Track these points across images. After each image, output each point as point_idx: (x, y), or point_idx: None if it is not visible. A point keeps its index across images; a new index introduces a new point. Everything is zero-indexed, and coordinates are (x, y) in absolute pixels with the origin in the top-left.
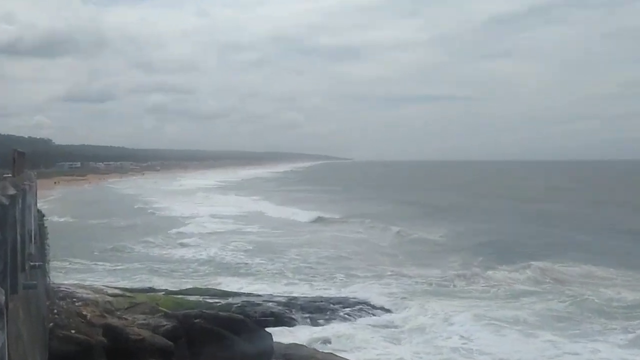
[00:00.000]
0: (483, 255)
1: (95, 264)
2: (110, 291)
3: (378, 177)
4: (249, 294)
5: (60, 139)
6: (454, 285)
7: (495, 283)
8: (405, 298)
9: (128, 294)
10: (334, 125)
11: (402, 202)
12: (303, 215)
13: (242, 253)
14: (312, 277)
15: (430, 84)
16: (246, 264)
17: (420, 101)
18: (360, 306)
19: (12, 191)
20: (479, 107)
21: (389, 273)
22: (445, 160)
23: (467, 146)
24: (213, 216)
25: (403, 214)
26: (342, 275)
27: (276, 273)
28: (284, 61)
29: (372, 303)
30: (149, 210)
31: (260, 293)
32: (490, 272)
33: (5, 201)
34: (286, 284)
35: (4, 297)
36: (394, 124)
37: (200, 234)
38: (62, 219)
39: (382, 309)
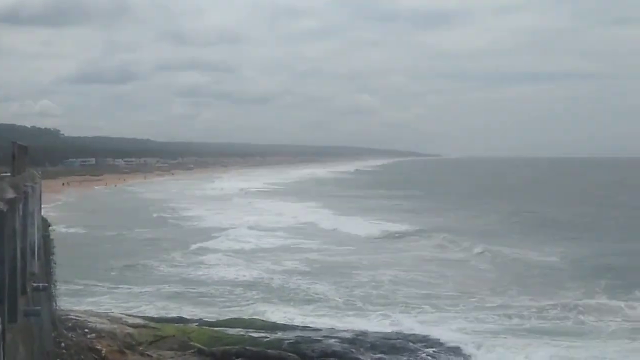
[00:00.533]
0: (610, 281)
1: (112, 286)
2: (130, 321)
3: (474, 179)
4: (304, 328)
5: (70, 130)
6: (579, 322)
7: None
8: (506, 337)
9: (152, 324)
10: (418, 111)
11: (506, 212)
12: (373, 228)
13: (295, 275)
14: (385, 306)
15: (546, 58)
16: (301, 289)
17: (532, 80)
18: (450, 346)
19: (11, 194)
20: (610, 87)
21: (489, 304)
22: (566, 157)
23: (597, 138)
24: (259, 228)
25: (509, 228)
26: (425, 305)
27: (340, 301)
28: (353, 30)
29: (464, 343)
30: (178, 220)
31: (319, 326)
32: (620, 304)
33: (2, 207)
34: (352, 315)
35: (0, 327)
36: (497, 109)
37: (243, 251)
38: (71, 230)
39: (478, 349)
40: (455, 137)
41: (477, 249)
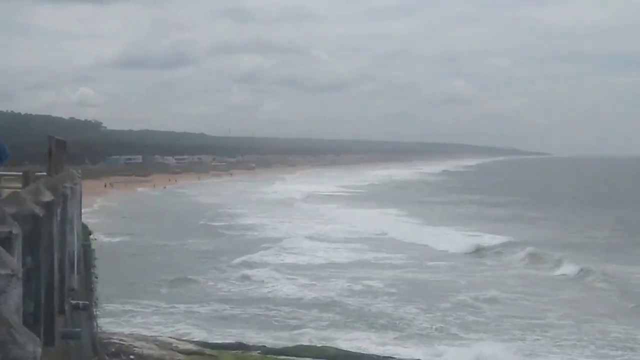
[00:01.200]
0: None
1: (161, 305)
2: (182, 346)
3: (592, 183)
4: (386, 358)
5: (113, 122)
6: None
7: None
8: None
9: (208, 351)
10: (523, 101)
11: (630, 224)
12: (467, 240)
13: (375, 295)
14: (486, 334)
15: None
16: (383, 312)
17: None
18: None
19: (48, 197)
20: None
21: (613, 334)
22: None
23: None
24: (330, 239)
25: (632, 242)
26: (535, 335)
27: (430, 327)
28: (445, 4)
29: None
30: (236, 229)
31: (404, 357)
32: None
33: (38, 212)
34: (445, 344)
35: (38, 350)
36: (624, 99)
37: (312, 266)
38: (115, 239)
39: None
40: (569, 132)
41: (592, 267)
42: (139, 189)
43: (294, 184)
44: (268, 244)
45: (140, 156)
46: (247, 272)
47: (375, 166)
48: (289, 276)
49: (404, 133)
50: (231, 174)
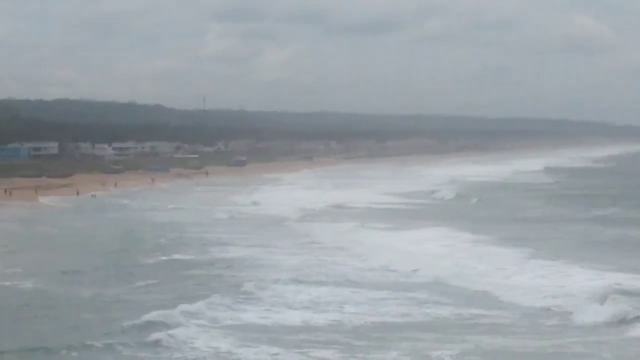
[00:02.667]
0: None
1: None
2: None
3: None
4: None
5: (5, 86)
6: None
7: None
8: None
9: None
10: None
11: None
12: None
13: None
14: None
15: None
16: None
17: None
18: None
19: None
20: None
21: None
22: None
23: None
24: (368, 286)
25: None
26: None
27: None
28: None
29: None
30: (216, 272)
31: None
32: None
33: None
34: None
35: None
36: None
37: (342, 328)
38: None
39: None
40: None
41: None
42: (50, 199)
43: (311, 191)
44: (283, 297)
45: (55, 144)
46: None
47: (444, 160)
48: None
49: (493, 102)
50: (207, 174)
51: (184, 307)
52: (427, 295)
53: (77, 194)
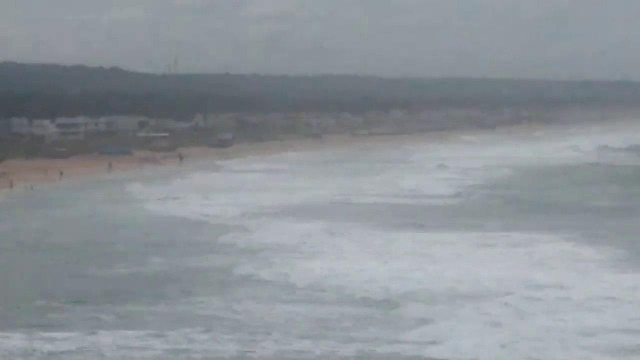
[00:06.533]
0: None
1: None
2: None
3: None
4: None
5: None
6: None
7: None
8: None
9: None
10: None
11: None
12: None
13: None
14: None
15: None
16: None
17: None
18: None
19: None
20: None
21: None
22: None
23: None
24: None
25: None
26: None
27: None
28: None
29: None
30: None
31: None
32: None
33: None
34: None
35: None
36: None
37: None
38: None
39: None
40: None
41: None
42: None
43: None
44: None
45: None
46: None
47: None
48: None
49: (558, 60)
50: (181, 158)
51: None
52: None
53: (11, 186)
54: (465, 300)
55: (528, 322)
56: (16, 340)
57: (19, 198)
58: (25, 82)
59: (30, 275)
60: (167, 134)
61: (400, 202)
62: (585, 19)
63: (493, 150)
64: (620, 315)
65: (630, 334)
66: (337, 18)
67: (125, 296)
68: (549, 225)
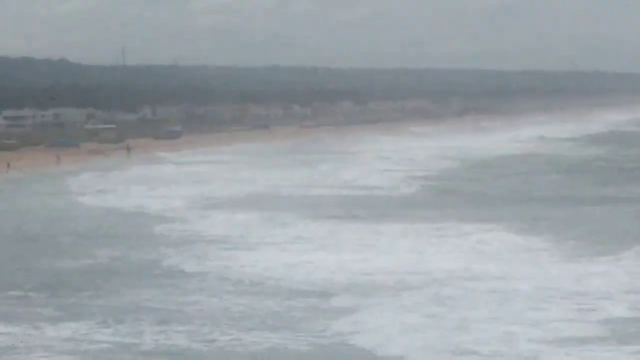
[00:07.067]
0: None
1: None
2: None
3: None
4: None
5: None
6: None
7: None
8: None
9: None
10: None
11: None
12: None
13: None
14: None
15: None
16: None
17: None
18: None
19: None
20: None
21: None
22: None
23: None
24: None
25: None
26: None
27: None
28: None
29: None
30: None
31: None
32: None
33: None
34: None
35: None
36: None
37: None
38: None
39: None
40: None
41: None
42: None
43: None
44: None
45: None
46: None
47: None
48: None
49: (506, 52)
50: (128, 149)
51: None
52: None
53: None
54: (401, 291)
55: (463, 312)
56: None
57: None
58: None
59: None
60: (114, 126)
61: (343, 194)
62: (531, 10)
63: (439, 142)
64: (566, 306)
65: (576, 323)
66: (286, 10)
67: (65, 289)
68: (492, 215)
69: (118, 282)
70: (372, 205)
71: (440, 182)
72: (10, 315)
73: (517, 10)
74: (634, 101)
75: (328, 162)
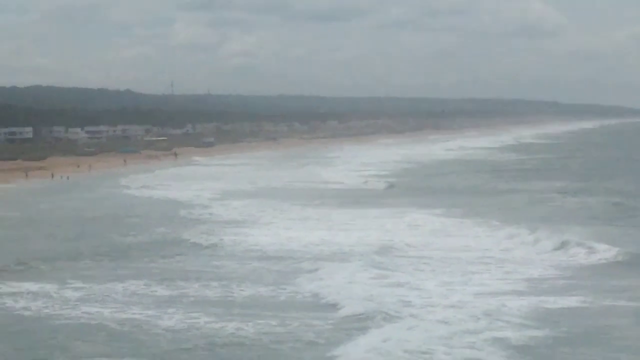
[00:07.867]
0: None
1: None
2: None
3: None
4: None
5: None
6: None
7: None
8: None
9: None
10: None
11: None
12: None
13: None
14: None
15: None
16: None
17: None
18: None
19: None
20: None
21: None
22: None
23: None
24: None
25: None
26: None
27: None
28: None
29: None
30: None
31: None
32: None
33: None
34: None
35: None
36: None
37: None
38: None
39: None
40: None
41: None
42: (18, 182)
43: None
44: None
45: (30, 128)
46: None
47: (403, 137)
48: None
49: (449, 85)
50: (175, 155)
51: None
52: None
53: (52, 176)
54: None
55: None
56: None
57: (58, 185)
58: (63, 100)
59: (73, 238)
60: (166, 138)
61: (323, 187)
62: (468, 53)
63: (400, 150)
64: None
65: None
66: (289, 54)
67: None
68: (435, 203)
69: (168, 251)
70: (345, 196)
71: (399, 178)
72: (87, 275)
73: (457, 53)
74: (536, 121)
75: (316, 165)
